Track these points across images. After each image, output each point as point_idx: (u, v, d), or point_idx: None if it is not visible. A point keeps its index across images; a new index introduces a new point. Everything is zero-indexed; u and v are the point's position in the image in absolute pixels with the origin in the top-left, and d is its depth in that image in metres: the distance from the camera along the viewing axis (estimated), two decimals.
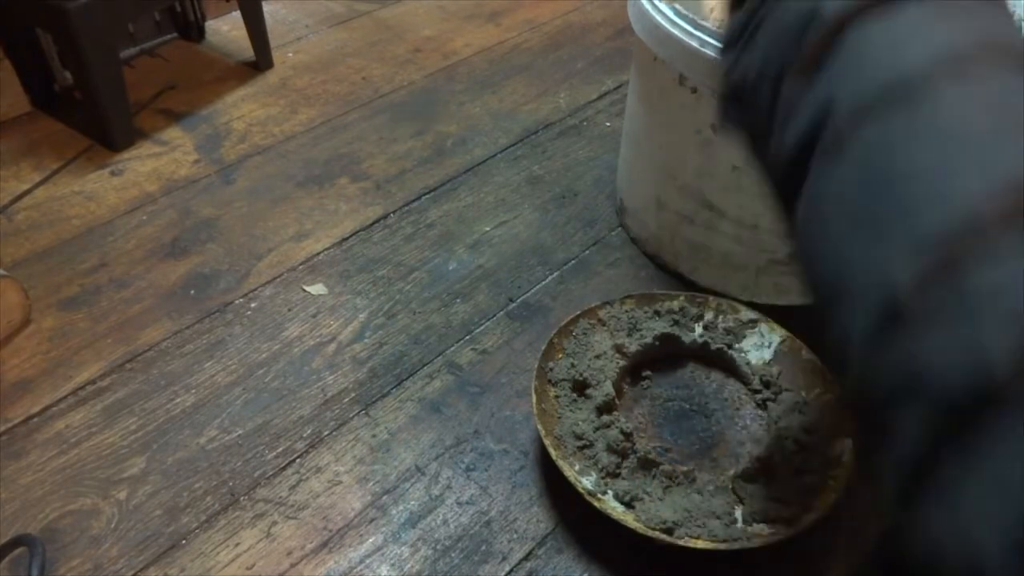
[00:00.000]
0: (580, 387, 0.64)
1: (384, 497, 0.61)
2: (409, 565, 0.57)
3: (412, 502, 0.61)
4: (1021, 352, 0.22)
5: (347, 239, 0.82)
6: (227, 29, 1.13)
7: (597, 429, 0.61)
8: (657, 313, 0.70)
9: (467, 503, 0.61)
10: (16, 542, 0.55)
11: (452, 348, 0.72)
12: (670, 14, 0.65)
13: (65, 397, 0.66)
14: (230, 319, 0.74)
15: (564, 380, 0.64)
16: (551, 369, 0.65)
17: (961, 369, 0.23)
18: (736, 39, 0.36)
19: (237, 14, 1.05)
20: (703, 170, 0.71)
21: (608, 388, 0.63)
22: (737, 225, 0.72)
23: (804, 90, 0.30)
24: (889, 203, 0.26)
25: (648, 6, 0.67)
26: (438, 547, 0.58)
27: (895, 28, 0.28)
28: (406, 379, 0.69)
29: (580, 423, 0.61)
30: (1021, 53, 0.27)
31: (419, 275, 0.79)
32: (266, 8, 1.06)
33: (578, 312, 0.68)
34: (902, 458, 0.25)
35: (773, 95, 0.32)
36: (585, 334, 0.67)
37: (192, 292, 0.76)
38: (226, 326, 0.73)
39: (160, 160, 0.91)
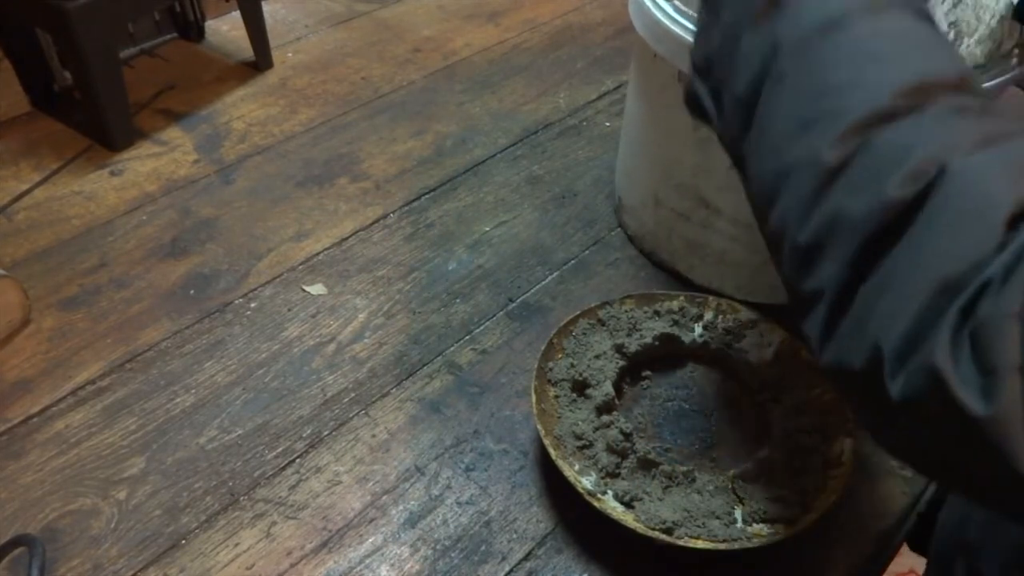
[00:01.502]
0: (580, 387, 0.64)
1: (384, 497, 0.61)
2: (409, 565, 0.57)
3: (412, 502, 0.61)
4: (911, 190, 0.30)
5: (347, 239, 0.82)
6: (227, 29, 1.13)
7: (597, 429, 0.61)
8: (657, 313, 0.70)
9: (467, 503, 0.61)
10: (16, 542, 0.55)
11: (452, 348, 0.72)
12: (669, 10, 0.65)
13: (65, 397, 0.66)
14: (230, 319, 0.74)
15: (564, 380, 0.64)
16: (551, 369, 0.65)
17: (868, 208, 0.31)
18: (703, 20, 0.43)
19: (237, 14, 1.05)
20: (700, 168, 0.71)
21: (608, 388, 0.63)
22: (733, 223, 0.72)
23: (755, 39, 0.38)
24: (819, 108, 0.34)
25: (648, 2, 0.67)
26: (438, 547, 0.58)
27: None
28: (406, 379, 0.69)
29: (580, 423, 0.61)
30: (920, 4, 0.37)
31: (419, 275, 0.79)
32: (266, 8, 1.06)
33: (578, 312, 0.68)
34: (824, 303, 0.33)
35: (733, 54, 0.39)
36: (585, 334, 0.67)
37: (192, 292, 0.76)
38: (226, 326, 0.73)
39: (160, 160, 0.91)
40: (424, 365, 0.71)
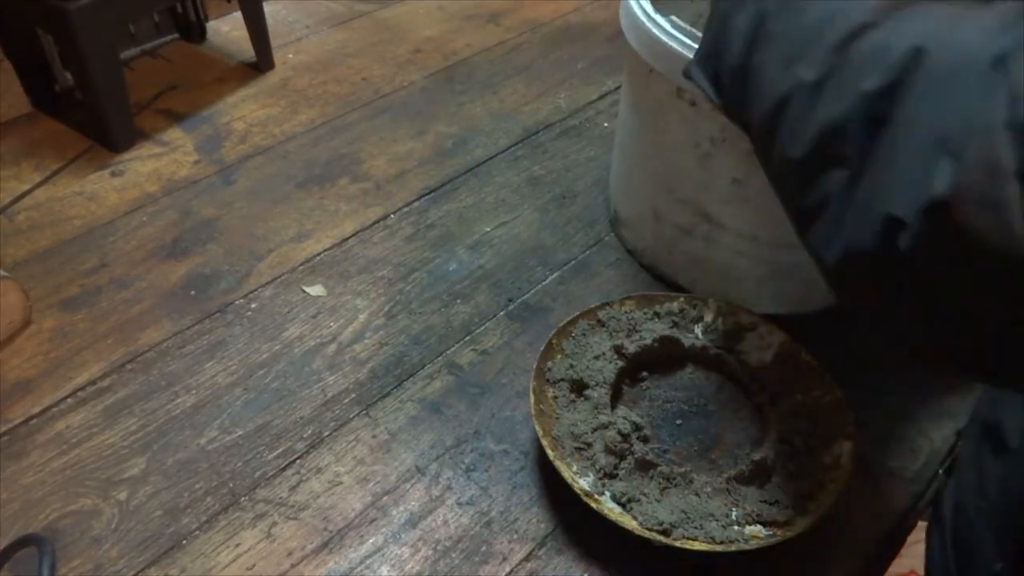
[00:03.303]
0: (578, 388, 0.64)
1: (384, 498, 0.61)
2: (409, 566, 0.57)
3: (412, 503, 0.61)
4: (888, 78, 0.33)
5: (347, 239, 0.83)
6: (228, 30, 1.13)
7: (595, 430, 0.61)
8: (657, 315, 0.70)
9: (467, 504, 0.61)
10: (24, 541, 0.55)
11: (452, 348, 0.72)
12: (667, 26, 0.64)
13: (65, 398, 0.67)
14: (230, 319, 0.74)
15: (563, 380, 0.64)
16: (549, 369, 0.65)
17: (847, 102, 0.35)
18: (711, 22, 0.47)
19: (238, 14, 1.05)
20: (703, 183, 0.70)
21: (607, 389, 0.63)
22: (737, 237, 0.71)
23: (744, 14, 0.42)
24: (802, 44, 0.38)
25: (643, 18, 0.66)
26: (438, 548, 0.58)
27: None
28: (406, 380, 0.70)
29: (578, 424, 0.61)
30: None
31: (419, 275, 0.79)
32: (267, 9, 1.06)
33: (577, 313, 0.68)
34: (829, 205, 0.37)
35: (726, 32, 0.44)
36: (584, 335, 0.67)
37: (192, 292, 0.76)
38: (226, 326, 0.73)
39: (161, 160, 0.91)
40: (425, 366, 0.71)
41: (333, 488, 0.62)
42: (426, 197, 0.88)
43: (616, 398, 0.65)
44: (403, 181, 0.90)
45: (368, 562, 0.57)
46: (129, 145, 0.92)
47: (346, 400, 0.68)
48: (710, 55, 0.47)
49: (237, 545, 0.58)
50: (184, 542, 0.58)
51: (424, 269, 0.80)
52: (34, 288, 0.74)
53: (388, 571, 0.57)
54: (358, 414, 0.67)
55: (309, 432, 0.65)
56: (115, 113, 0.90)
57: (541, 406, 0.62)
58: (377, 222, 0.85)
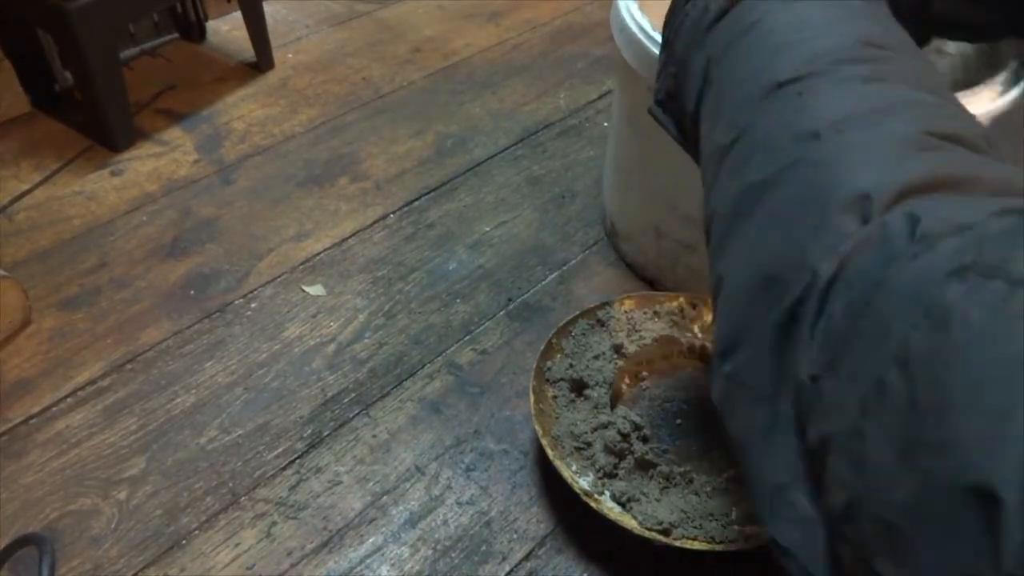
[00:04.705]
0: (578, 387, 0.64)
1: (384, 497, 0.61)
2: (409, 565, 0.57)
3: (412, 502, 0.61)
4: (768, 170, 0.31)
5: (347, 239, 0.83)
6: (227, 29, 1.13)
7: (595, 430, 0.61)
8: (656, 314, 0.70)
9: (467, 503, 0.61)
10: (24, 541, 0.55)
11: (452, 348, 0.72)
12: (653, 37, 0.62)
13: (65, 397, 0.67)
14: (230, 319, 0.74)
15: (562, 380, 0.64)
16: (549, 369, 0.65)
17: (737, 190, 0.33)
18: (661, 60, 0.46)
19: (238, 14, 1.05)
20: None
21: (606, 389, 0.63)
22: None
23: (698, 56, 0.40)
24: (728, 100, 0.37)
25: (640, 35, 0.64)
26: (438, 547, 0.58)
27: (748, 7, 0.39)
28: (406, 379, 0.70)
29: (578, 423, 0.61)
30: None
31: (419, 275, 0.79)
32: (266, 8, 1.06)
33: (577, 312, 0.68)
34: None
35: (686, 76, 0.42)
36: (584, 335, 0.67)
37: (192, 292, 0.76)
38: (226, 326, 0.73)
39: (160, 160, 0.91)
40: (424, 365, 0.71)
41: (333, 488, 0.62)
42: (426, 197, 0.88)
43: (616, 398, 0.65)
44: (403, 181, 0.90)
45: (368, 562, 0.57)
46: (129, 145, 0.92)
47: (346, 400, 0.68)
48: (671, 95, 0.45)
49: (237, 544, 0.58)
50: (184, 542, 0.58)
51: (424, 269, 0.80)
52: (34, 288, 0.74)
53: (388, 571, 0.57)
54: (358, 414, 0.67)
55: (309, 432, 0.65)
56: (115, 113, 0.90)
57: (541, 405, 0.62)
58: (377, 222, 0.85)
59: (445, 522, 0.60)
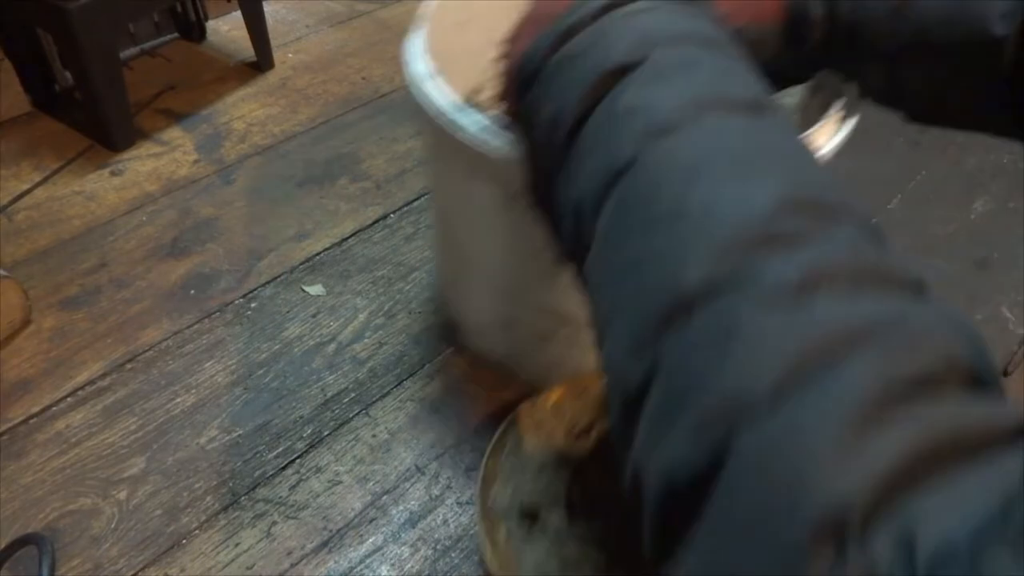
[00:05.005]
0: (530, 515, 0.54)
1: (384, 497, 0.61)
2: (409, 565, 0.57)
3: (412, 502, 0.61)
4: (708, 268, 0.25)
5: (347, 239, 0.82)
6: (227, 29, 1.13)
7: (567, 566, 0.51)
8: (594, 399, 0.59)
9: (467, 503, 0.61)
10: (24, 540, 0.55)
11: (452, 348, 0.72)
12: (479, 122, 0.49)
13: (65, 397, 0.67)
14: (230, 319, 0.74)
15: (511, 510, 0.54)
16: (494, 500, 0.54)
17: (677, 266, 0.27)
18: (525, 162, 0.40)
19: (238, 14, 1.05)
20: (561, 287, 0.56)
21: (561, 509, 0.53)
22: None
23: (565, 185, 0.34)
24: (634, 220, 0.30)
25: (456, 114, 0.50)
26: (438, 547, 0.58)
27: (626, 100, 0.32)
28: (406, 379, 0.69)
29: (544, 562, 0.51)
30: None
31: (419, 275, 0.79)
32: (266, 8, 1.06)
33: (507, 421, 0.58)
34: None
35: (551, 198, 0.36)
36: (518, 447, 0.57)
37: (192, 292, 0.76)
38: (226, 326, 0.73)
39: (160, 160, 0.91)
40: (424, 365, 0.71)
41: (333, 487, 0.62)
42: (426, 196, 0.88)
43: (574, 519, 0.54)
44: (403, 180, 0.90)
45: (368, 561, 0.57)
46: (128, 144, 0.92)
47: (346, 399, 0.68)
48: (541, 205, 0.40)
49: (237, 544, 0.58)
50: (184, 541, 0.58)
51: (424, 268, 0.80)
52: (34, 288, 0.74)
53: (388, 571, 0.57)
54: (358, 413, 0.67)
55: (309, 431, 0.65)
56: (115, 112, 0.90)
57: (497, 551, 0.51)
58: (377, 221, 0.85)
59: (445, 522, 0.60)
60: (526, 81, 0.37)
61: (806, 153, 0.29)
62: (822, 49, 0.44)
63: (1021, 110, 0.40)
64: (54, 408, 0.66)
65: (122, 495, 0.60)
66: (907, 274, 0.25)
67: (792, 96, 0.60)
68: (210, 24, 1.12)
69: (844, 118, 0.52)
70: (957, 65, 0.41)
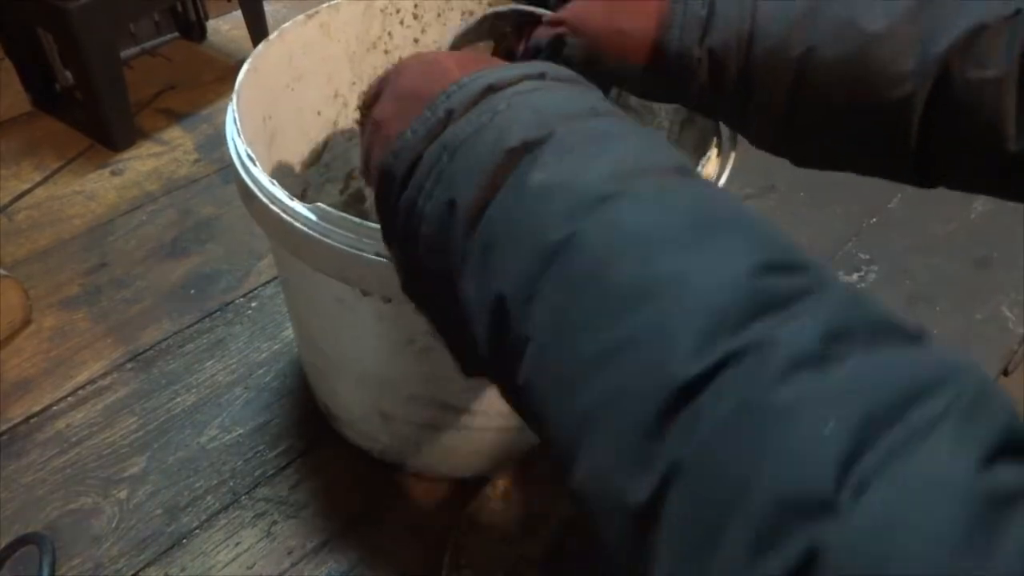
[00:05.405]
0: None
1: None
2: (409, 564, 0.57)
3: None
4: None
5: None
6: (228, 29, 1.13)
7: None
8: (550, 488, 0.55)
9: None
10: (24, 540, 0.55)
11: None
12: (312, 216, 0.43)
13: (65, 397, 0.67)
14: (231, 318, 0.74)
15: None
16: None
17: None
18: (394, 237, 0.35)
19: (238, 14, 1.05)
20: (433, 376, 0.52)
21: None
22: (499, 416, 0.55)
23: (480, 285, 0.29)
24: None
25: (299, 208, 0.44)
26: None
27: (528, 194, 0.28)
28: None
29: None
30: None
31: None
32: (267, 8, 1.06)
33: (460, 523, 0.54)
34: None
35: (453, 302, 0.31)
36: (480, 547, 0.54)
37: (192, 292, 0.76)
38: (227, 325, 0.73)
39: (161, 160, 0.91)
40: None
41: (333, 486, 0.62)
42: None
43: None
44: None
45: (369, 561, 0.57)
46: (129, 144, 0.92)
47: None
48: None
49: (237, 544, 0.58)
50: (184, 541, 0.58)
51: None
52: (34, 287, 0.74)
53: (388, 570, 0.57)
54: None
55: (309, 431, 0.65)
56: (115, 112, 0.90)
57: None
58: None
59: None
60: (404, 174, 0.32)
61: (752, 212, 0.27)
62: (709, 92, 0.43)
63: (924, 160, 0.39)
64: (54, 408, 0.66)
65: (123, 494, 0.60)
66: (908, 322, 0.23)
67: (661, 130, 0.59)
68: (210, 24, 1.12)
69: (721, 155, 0.50)
70: (858, 129, 0.40)
